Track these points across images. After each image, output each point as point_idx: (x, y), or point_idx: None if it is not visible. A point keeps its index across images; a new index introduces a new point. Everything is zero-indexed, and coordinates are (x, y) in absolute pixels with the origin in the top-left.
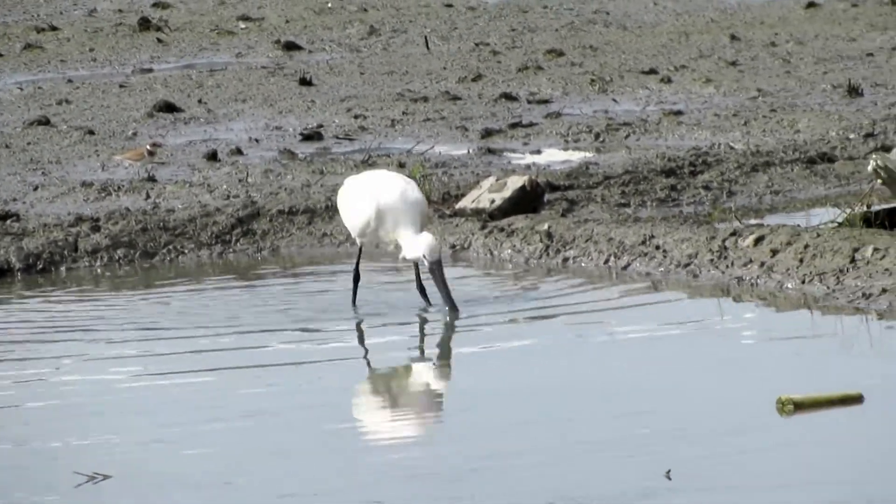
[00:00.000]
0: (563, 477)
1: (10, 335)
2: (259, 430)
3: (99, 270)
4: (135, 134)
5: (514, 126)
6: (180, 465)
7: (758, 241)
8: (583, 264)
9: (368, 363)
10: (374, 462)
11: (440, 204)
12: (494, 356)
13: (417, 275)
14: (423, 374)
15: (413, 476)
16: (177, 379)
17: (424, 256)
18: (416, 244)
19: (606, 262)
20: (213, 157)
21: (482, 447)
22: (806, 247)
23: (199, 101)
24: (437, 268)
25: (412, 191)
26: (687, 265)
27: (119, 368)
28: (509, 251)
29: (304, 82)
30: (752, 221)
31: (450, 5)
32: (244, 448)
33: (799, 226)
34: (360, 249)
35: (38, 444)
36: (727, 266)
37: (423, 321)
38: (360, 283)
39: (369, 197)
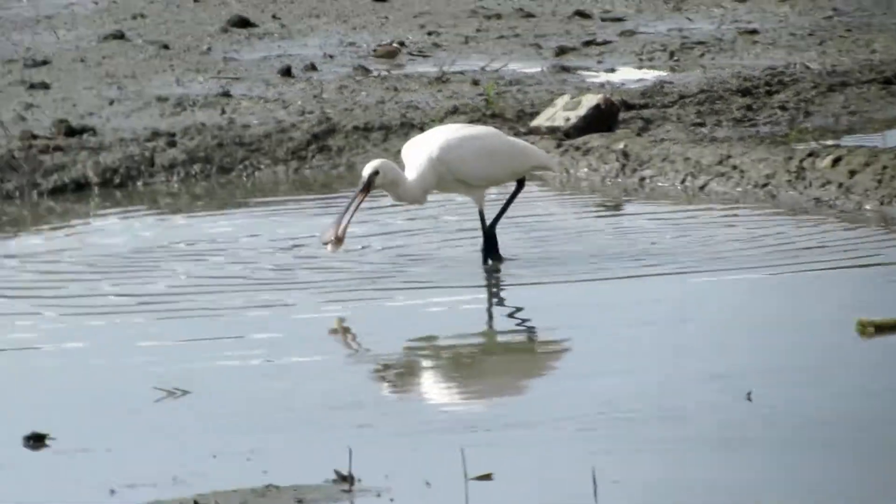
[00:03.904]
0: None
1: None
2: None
3: (175, 186)
4: (209, 49)
5: (587, 44)
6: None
7: (835, 161)
8: (659, 184)
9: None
10: None
11: (515, 122)
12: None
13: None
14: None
15: None
16: None
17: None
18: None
19: (683, 181)
20: (287, 72)
21: None
22: (884, 168)
23: (274, 17)
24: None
25: (436, 147)
26: (765, 185)
27: None
28: (585, 170)
29: None
30: (830, 142)
31: None
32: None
33: (877, 147)
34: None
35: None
36: (805, 187)
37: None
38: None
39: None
